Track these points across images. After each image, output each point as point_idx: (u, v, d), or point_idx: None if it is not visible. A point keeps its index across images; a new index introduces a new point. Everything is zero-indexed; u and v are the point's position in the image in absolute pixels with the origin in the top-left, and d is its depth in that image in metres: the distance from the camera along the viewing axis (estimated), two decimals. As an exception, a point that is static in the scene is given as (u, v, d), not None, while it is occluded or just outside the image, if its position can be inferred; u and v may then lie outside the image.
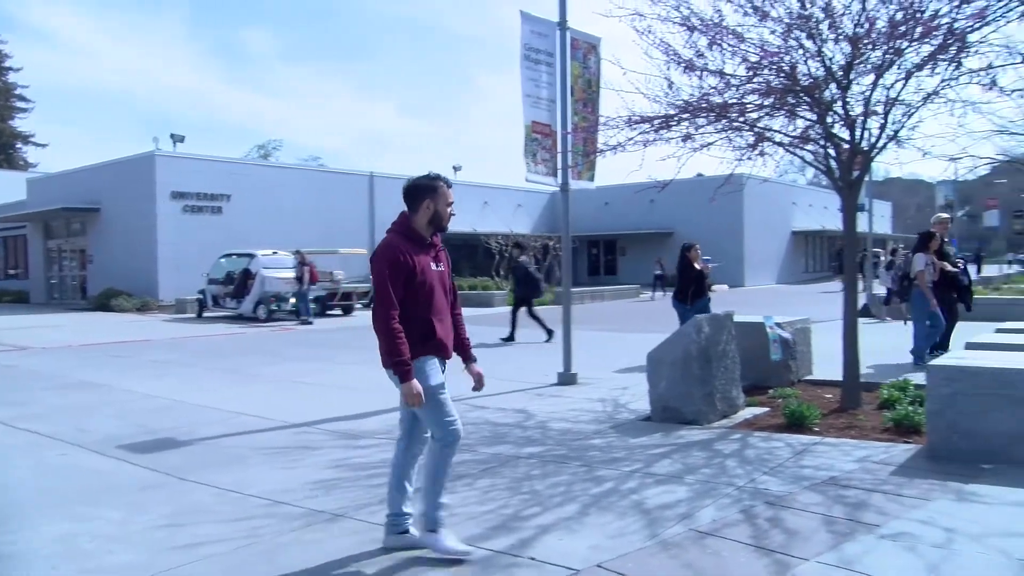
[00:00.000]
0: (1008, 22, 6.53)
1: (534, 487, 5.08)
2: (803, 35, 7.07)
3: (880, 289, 19.44)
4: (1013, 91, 7.34)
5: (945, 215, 10.75)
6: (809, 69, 7.23)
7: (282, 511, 4.72)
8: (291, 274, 20.95)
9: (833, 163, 7.44)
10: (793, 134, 7.68)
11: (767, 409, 7.31)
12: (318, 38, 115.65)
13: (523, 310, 15.24)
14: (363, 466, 5.75)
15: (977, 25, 6.56)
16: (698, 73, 7.52)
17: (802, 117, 7.51)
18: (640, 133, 7.74)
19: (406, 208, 3.99)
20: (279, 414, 7.80)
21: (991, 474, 4.95)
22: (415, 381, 3.75)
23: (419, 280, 3.85)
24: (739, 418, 7.05)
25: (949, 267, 9.78)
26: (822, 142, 7.49)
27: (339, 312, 23.56)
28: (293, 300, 21.27)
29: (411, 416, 4.00)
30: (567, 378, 9.48)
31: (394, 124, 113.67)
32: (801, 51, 7.17)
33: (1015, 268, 44.87)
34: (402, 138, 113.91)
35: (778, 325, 8.47)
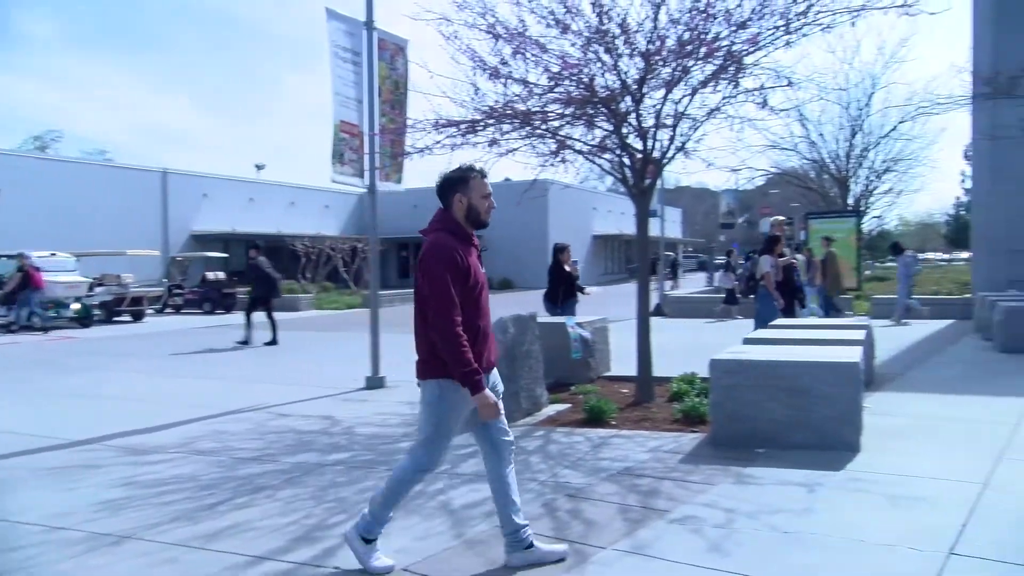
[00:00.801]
0: (776, 48, 7.22)
1: (340, 495, 4.97)
2: (601, 49, 7.44)
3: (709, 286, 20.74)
4: (781, 111, 8.14)
5: (782, 217, 11.47)
6: (607, 81, 7.61)
7: (61, 536, 4.31)
8: (73, 278, 19.21)
9: (628, 171, 7.87)
10: (592, 143, 8.06)
11: (569, 405, 7.61)
12: (104, 25, 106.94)
13: (258, 310, 14.87)
14: (153, 483, 5.37)
15: (751, 49, 7.19)
16: (503, 80, 7.71)
17: (600, 127, 7.88)
18: (447, 137, 7.80)
19: (441, 205, 3.73)
20: (60, 431, 7.11)
21: (764, 457, 5.44)
22: (488, 391, 3.53)
23: (471, 282, 3.60)
24: (543, 415, 7.28)
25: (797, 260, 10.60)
26: (618, 151, 7.90)
27: (128, 319, 21.87)
28: (77, 306, 19.51)
29: (483, 428, 3.74)
30: (375, 382, 9.38)
31: (191, 120, 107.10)
32: (599, 64, 7.53)
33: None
34: (200, 135, 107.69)
35: (578, 325, 8.85)
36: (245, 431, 7.04)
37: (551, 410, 7.47)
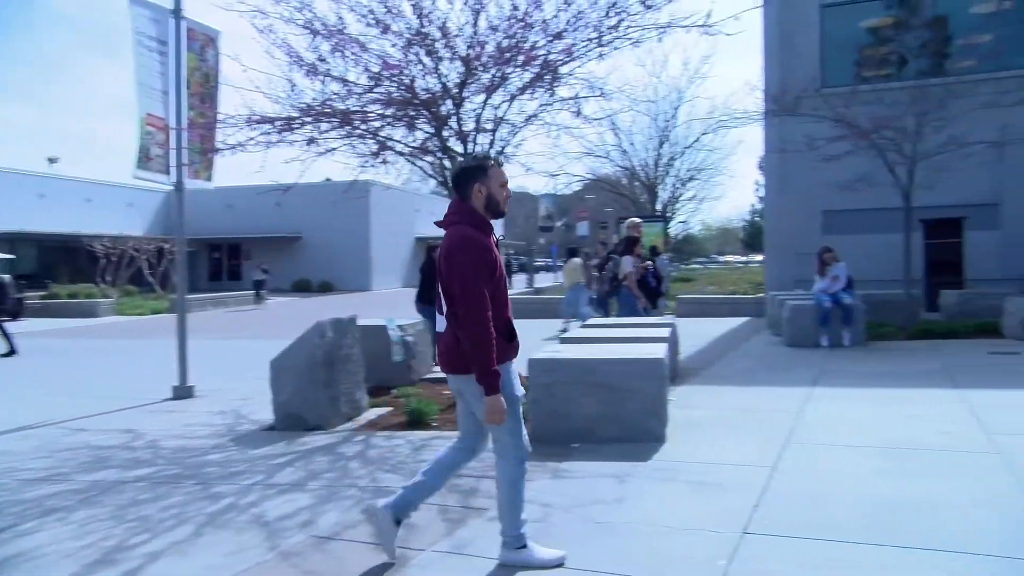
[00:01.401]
0: (590, 59, 7.54)
1: (142, 513, 4.65)
2: (422, 51, 7.45)
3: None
4: (595, 119, 8.52)
5: (637, 219, 11.76)
6: (428, 84, 7.63)
7: None
8: None
9: (449, 174, 7.92)
10: (413, 144, 8.05)
11: (391, 409, 7.54)
12: None
13: None
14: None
15: (566, 59, 7.47)
16: (321, 78, 7.54)
17: (421, 129, 7.89)
18: (262, 134, 7.52)
19: (458, 196, 3.58)
20: None
21: (579, 452, 5.65)
22: (501, 397, 3.37)
23: (498, 275, 3.45)
24: (364, 419, 7.18)
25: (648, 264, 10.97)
26: (439, 154, 7.94)
27: None
28: None
29: (478, 429, 3.66)
30: (183, 391, 8.86)
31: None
32: (420, 66, 7.54)
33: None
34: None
35: (400, 327, 8.80)
36: (32, 449, 6.43)
37: (372, 414, 7.37)
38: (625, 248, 10.86)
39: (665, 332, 7.81)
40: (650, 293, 10.91)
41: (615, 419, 5.89)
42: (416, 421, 6.81)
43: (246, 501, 4.81)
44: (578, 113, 7.87)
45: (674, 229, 36.99)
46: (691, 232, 51.36)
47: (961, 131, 12.49)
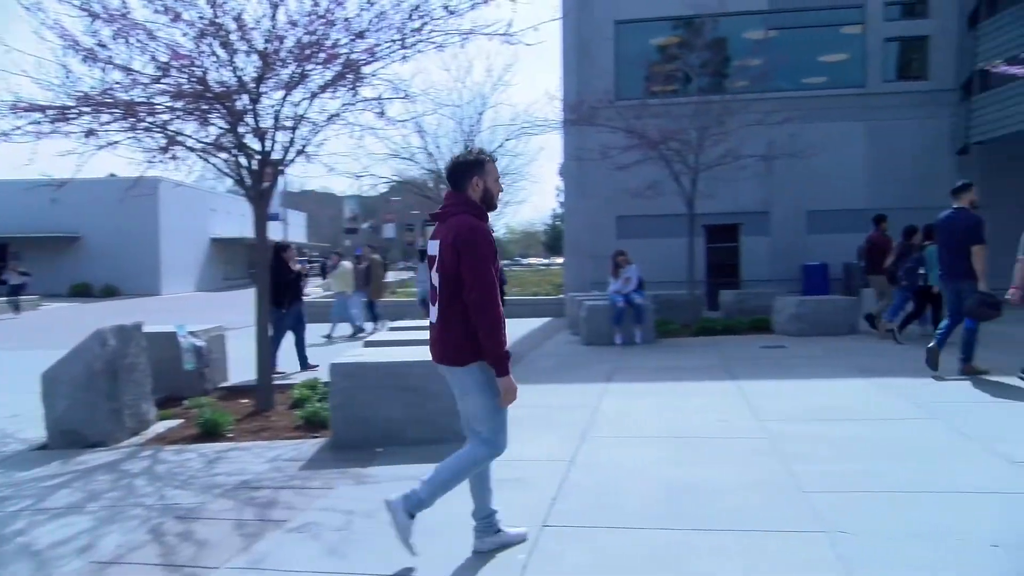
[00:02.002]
0: (393, 61, 7.49)
1: None
2: (216, 42, 7.07)
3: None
4: (400, 121, 8.48)
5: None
6: (222, 77, 7.26)
7: None
8: None
9: (245, 172, 7.59)
10: (206, 140, 7.63)
11: (182, 421, 7.11)
12: None
13: None
14: None
15: (369, 59, 7.38)
16: (101, 65, 6.96)
17: (215, 124, 7.49)
18: (31, 123, 6.83)
19: (452, 188, 3.69)
20: None
21: (384, 456, 5.61)
22: (512, 376, 3.55)
23: (497, 266, 3.56)
24: (151, 433, 6.71)
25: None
26: (235, 151, 7.58)
27: None
28: None
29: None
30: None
31: None
32: (213, 58, 7.16)
33: (408, 274, 51.65)
34: None
35: (191, 334, 8.31)
36: None
37: (160, 427, 6.91)
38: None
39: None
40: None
41: (421, 421, 5.90)
42: (210, 433, 6.46)
43: (12, 530, 4.35)
44: (382, 114, 7.80)
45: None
46: (496, 235, 52.61)
47: (736, 145, 13.69)
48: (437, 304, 3.65)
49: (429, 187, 32.52)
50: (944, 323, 8.46)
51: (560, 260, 30.53)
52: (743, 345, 11.55)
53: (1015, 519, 3.93)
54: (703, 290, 17.27)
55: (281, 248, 10.37)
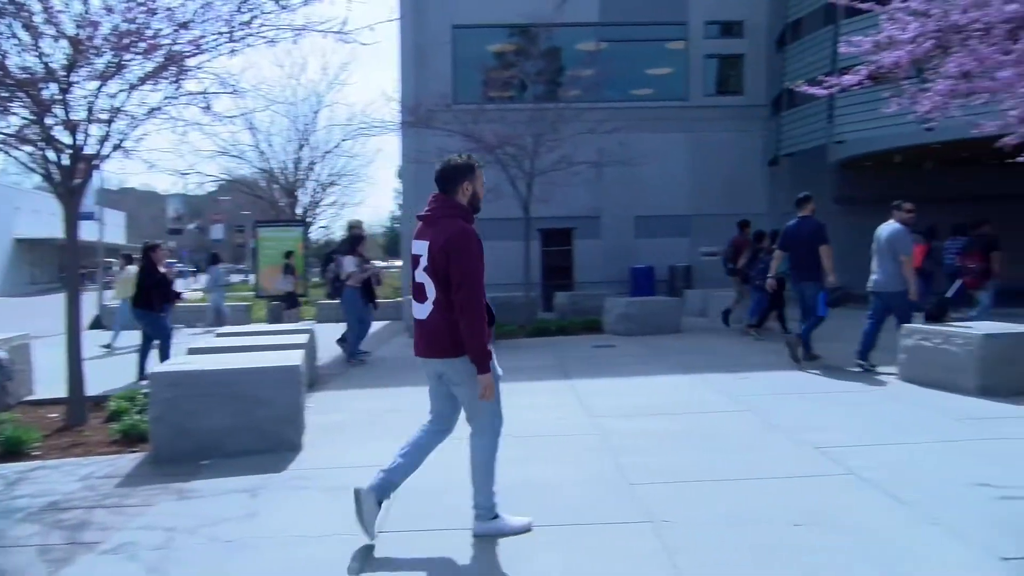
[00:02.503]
0: (221, 54, 7.16)
1: None
2: (18, 24, 6.49)
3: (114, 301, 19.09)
4: (228, 117, 8.11)
5: (358, 220, 11.65)
6: (25, 62, 6.68)
7: None
8: None
9: (54, 167, 7.01)
10: (7, 131, 6.98)
11: (-22, 439, 6.45)
12: None
13: None
14: None
15: (194, 52, 7.01)
16: None
17: (17, 114, 6.87)
18: None
19: (440, 191, 3.85)
20: None
21: (209, 468, 5.34)
22: (491, 373, 3.76)
23: (482, 266, 3.75)
24: (-59, 454, 6.05)
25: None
26: (41, 144, 6.98)
27: None
28: None
29: (453, 409, 4.04)
30: None
31: None
32: (15, 41, 6.57)
33: (238, 277, 49.56)
34: None
35: (-9, 343, 7.57)
36: None
37: (-48, 446, 6.24)
38: (349, 247, 10.66)
39: (302, 339, 7.71)
40: (371, 294, 11.09)
41: (249, 430, 5.67)
42: (11, 452, 5.90)
43: None
44: (208, 109, 7.43)
45: (316, 234, 36.72)
46: (332, 237, 51.42)
47: (570, 152, 14.13)
48: (428, 302, 3.81)
49: (261, 186, 31.39)
50: (809, 322, 9.21)
51: (399, 263, 30.33)
52: (576, 345, 11.93)
53: (815, 499, 4.29)
54: (539, 292, 17.70)
55: (150, 248, 9.74)
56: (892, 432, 5.78)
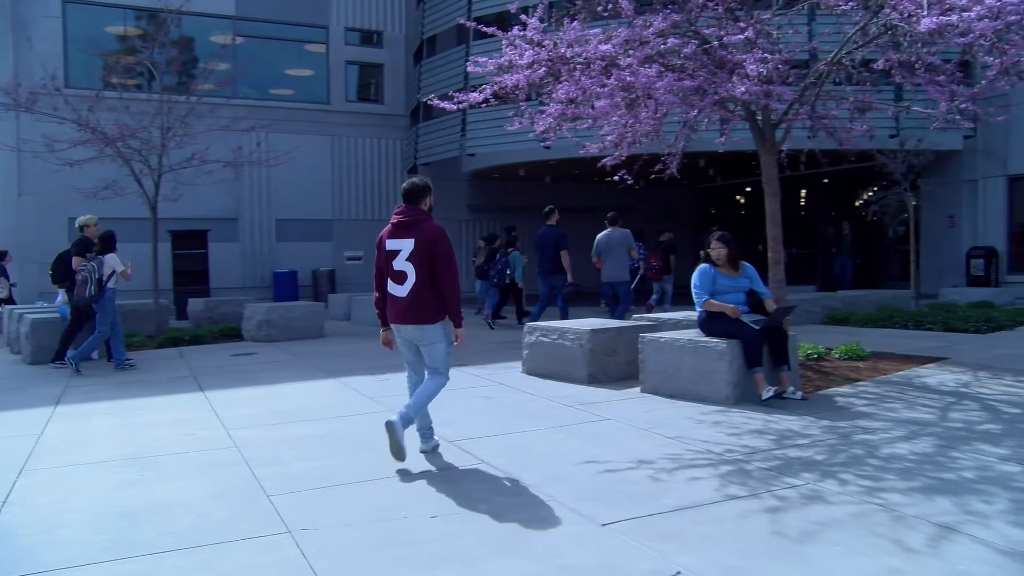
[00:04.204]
0: None
1: None
2: None
3: None
4: None
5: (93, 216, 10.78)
6: None
7: None
8: None
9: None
10: None
11: None
12: None
13: None
14: None
15: None
16: None
17: None
18: None
19: (408, 203, 5.16)
20: None
21: None
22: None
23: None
24: None
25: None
26: None
27: None
28: None
29: (421, 361, 5.32)
30: None
31: None
32: None
33: None
34: None
35: None
36: None
37: None
38: (107, 246, 9.89)
39: None
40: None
41: None
42: None
43: None
44: None
45: None
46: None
47: (204, 149, 13.31)
48: (408, 284, 5.03)
49: None
50: (536, 309, 12.01)
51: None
52: (213, 354, 11.30)
53: (451, 490, 4.54)
54: (170, 299, 16.45)
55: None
56: (516, 421, 6.34)
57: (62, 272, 11.09)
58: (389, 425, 4.97)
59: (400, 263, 5.05)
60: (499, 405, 7.06)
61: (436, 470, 5.00)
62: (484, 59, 7.62)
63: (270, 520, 4.14)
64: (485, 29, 7.99)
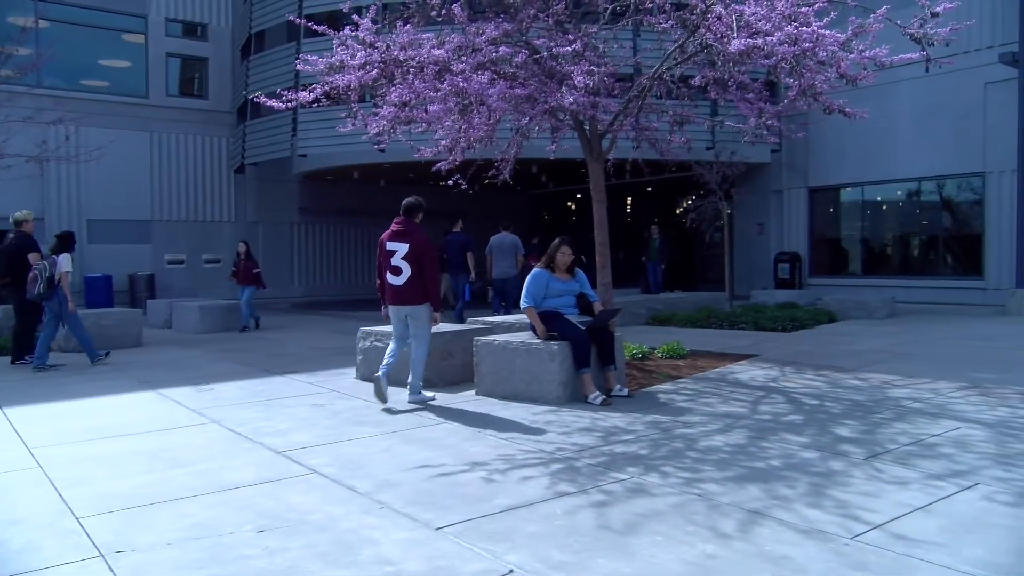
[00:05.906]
0: None
1: None
2: None
3: None
4: None
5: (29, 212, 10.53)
6: None
7: None
8: None
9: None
10: None
11: None
12: None
13: None
14: None
15: None
16: None
17: None
18: None
19: (407, 215, 6.98)
20: None
21: None
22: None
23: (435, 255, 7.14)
24: None
25: None
26: None
27: None
28: None
29: (407, 332, 7.14)
30: None
31: None
32: None
33: None
34: None
35: None
36: None
37: None
38: (62, 246, 9.75)
39: None
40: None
41: None
42: None
43: None
44: None
45: None
46: None
47: (2, 141, 12.15)
48: (403, 276, 6.82)
49: None
50: (459, 306, 13.23)
51: None
52: (12, 368, 10.32)
53: (280, 502, 4.38)
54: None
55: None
56: (349, 428, 6.22)
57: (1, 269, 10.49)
58: (375, 380, 6.90)
59: (397, 260, 6.82)
60: (331, 413, 6.90)
61: (265, 482, 4.81)
62: (315, 58, 7.43)
63: (80, 544, 3.82)
64: (316, 27, 7.80)
